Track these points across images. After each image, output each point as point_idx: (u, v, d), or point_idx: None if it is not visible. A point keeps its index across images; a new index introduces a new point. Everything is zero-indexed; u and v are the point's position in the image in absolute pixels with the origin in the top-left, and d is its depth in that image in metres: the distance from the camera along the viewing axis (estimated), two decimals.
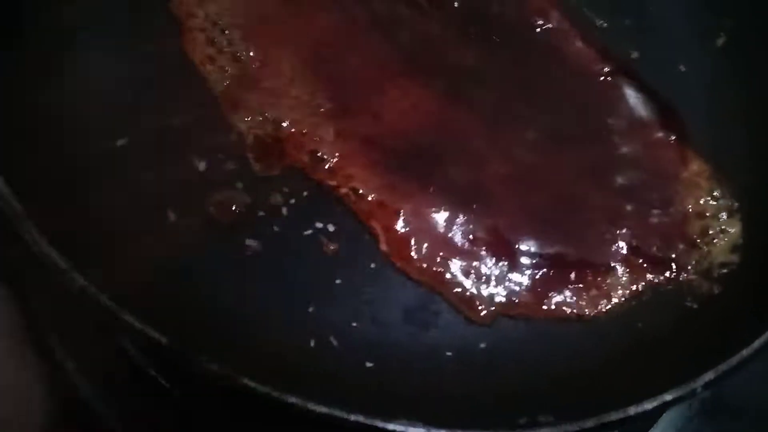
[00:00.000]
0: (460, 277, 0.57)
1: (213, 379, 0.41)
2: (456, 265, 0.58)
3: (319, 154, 0.61)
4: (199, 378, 0.42)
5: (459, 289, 0.57)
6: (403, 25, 0.66)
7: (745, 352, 0.43)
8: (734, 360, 0.43)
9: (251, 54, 0.64)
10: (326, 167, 0.60)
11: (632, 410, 0.41)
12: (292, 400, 0.40)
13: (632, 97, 0.66)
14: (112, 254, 0.53)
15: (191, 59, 0.64)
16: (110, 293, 0.45)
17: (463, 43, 0.67)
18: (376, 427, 0.41)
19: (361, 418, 0.41)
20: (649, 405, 0.41)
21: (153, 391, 0.60)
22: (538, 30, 0.68)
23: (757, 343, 0.43)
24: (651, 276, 0.58)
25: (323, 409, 0.40)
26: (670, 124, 0.64)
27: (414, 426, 0.41)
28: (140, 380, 0.61)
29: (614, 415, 0.41)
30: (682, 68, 0.68)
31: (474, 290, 0.57)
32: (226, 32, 0.65)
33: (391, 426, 0.41)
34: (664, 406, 0.42)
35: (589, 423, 0.40)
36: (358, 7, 0.66)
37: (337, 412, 0.41)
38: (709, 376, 0.42)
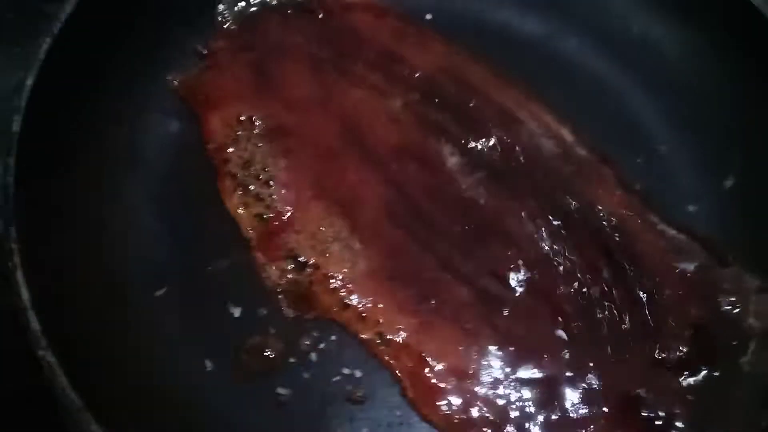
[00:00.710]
0: (488, 428, 0.60)
1: None
2: (483, 415, 0.60)
3: (347, 299, 0.63)
4: None
5: None
6: None
7: None
8: None
9: (283, 199, 0.67)
10: (354, 311, 0.63)
11: None
12: None
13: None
14: (150, 407, 0.57)
15: (226, 205, 0.67)
16: None
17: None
18: None
19: None
20: None
21: None
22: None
23: None
24: None
25: None
26: None
27: None
28: None
29: None
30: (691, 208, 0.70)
31: None
32: (260, 177, 0.68)
33: None
34: None
35: None
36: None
37: None
38: None
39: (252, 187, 0.68)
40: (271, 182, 0.68)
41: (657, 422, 0.60)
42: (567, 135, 0.73)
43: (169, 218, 0.66)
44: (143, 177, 0.67)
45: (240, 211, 0.67)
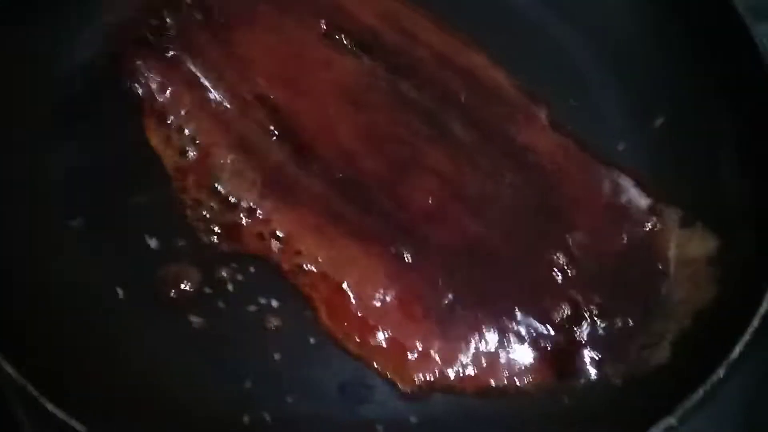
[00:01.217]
0: (397, 351, 0.59)
1: None
2: (394, 339, 0.60)
3: (267, 230, 0.63)
4: None
5: (394, 363, 0.59)
6: None
7: None
8: None
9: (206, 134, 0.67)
10: (274, 242, 0.63)
11: None
12: None
13: None
14: (61, 333, 0.56)
15: (150, 140, 0.67)
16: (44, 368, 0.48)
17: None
18: None
19: None
20: None
21: None
22: None
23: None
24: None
25: None
26: None
27: None
28: None
29: None
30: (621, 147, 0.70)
31: (408, 364, 0.59)
32: (183, 113, 0.68)
33: None
34: None
35: None
36: None
37: None
38: None
39: (174, 122, 0.67)
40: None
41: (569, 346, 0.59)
42: (502, 79, 0.73)
43: (89, 151, 0.66)
44: (65, 109, 0.66)
45: (162, 146, 0.66)
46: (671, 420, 0.47)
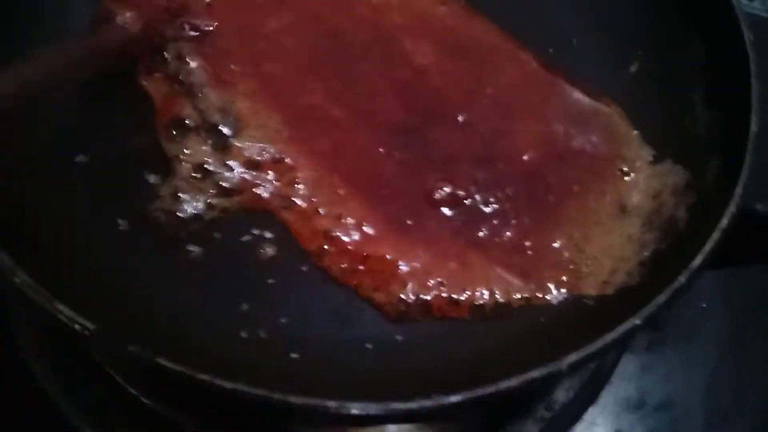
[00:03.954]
0: (377, 282, 0.63)
1: (135, 360, 0.47)
2: (376, 269, 0.63)
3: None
4: (126, 360, 0.48)
5: (377, 291, 0.63)
6: None
7: (602, 341, 0.49)
8: (594, 347, 0.49)
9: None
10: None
11: (503, 385, 0.47)
12: (203, 377, 0.46)
13: None
14: (64, 258, 0.60)
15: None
16: (54, 289, 0.52)
17: None
18: (283, 401, 0.47)
19: (265, 393, 0.46)
20: (516, 381, 0.47)
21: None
22: None
23: (609, 337, 0.49)
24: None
25: (229, 385, 0.46)
26: None
27: (310, 399, 0.46)
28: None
29: (483, 390, 0.46)
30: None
31: (389, 294, 0.63)
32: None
33: (292, 398, 0.47)
34: (533, 383, 0.47)
35: (455, 398, 0.46)
36: None
37: (242, 387, 0.46)
38: (572, 358, 0.48)
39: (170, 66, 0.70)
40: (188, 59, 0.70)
41: None
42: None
43: (89, 93, 0.68)
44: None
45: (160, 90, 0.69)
46: (635, 321, 0.50)
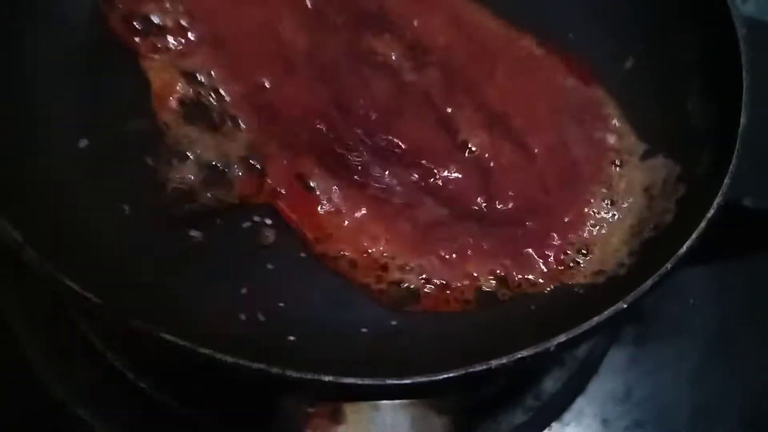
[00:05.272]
0: (372, 271, 0.65)
1: (139, 334, 0.49)
2: (369, 258, 0.65)
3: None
4: (129, 334, 0.50)
5: (370, 280, 0.64)
6: None
7: (589, 324, 0.51)
8: (582, 328, 0.50)
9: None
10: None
11: (493, 363, 0.48)
12: (204, 350, 0.48)
13: None
14: (70, 239, 0.61)
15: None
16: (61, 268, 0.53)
17: None
18: (281, 375, 0.49)
19: (263, 367, 0.48)
20: (506, 359, 0.49)
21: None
22: None
23: (596, 320, 0.51)
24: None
25: (230, 359, 0.48)
26: None
27: (304, 373, 0.48)
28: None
29: (476, 368, 0.48)
30: None
31: (382, 283, 0.64)
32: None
33: (288, 372, 0.48)
34: (523, 362, 0.49)
35: (453, 373, 0.47)
36: None
37: (242, 362, 0.48)
38: (561, 338, 0.50)
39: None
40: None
41: None
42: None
43: (88, 78, 0.70)
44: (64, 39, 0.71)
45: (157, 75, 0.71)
46: (622, 305, 0.52)
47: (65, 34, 0.71)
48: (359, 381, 0.48)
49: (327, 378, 0.48)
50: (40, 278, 0.51)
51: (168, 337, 0.48)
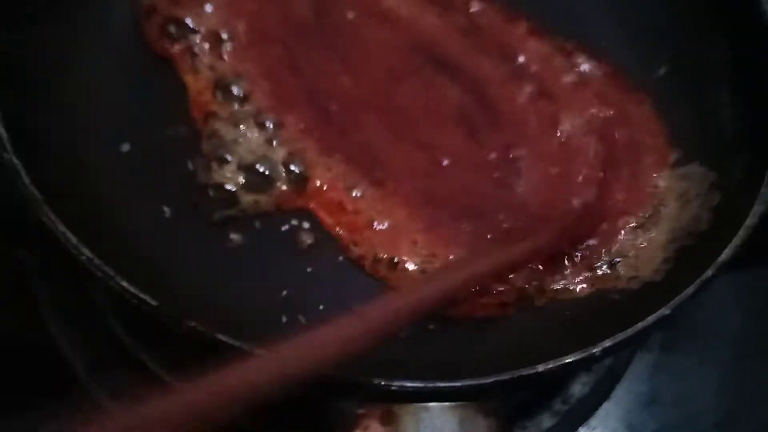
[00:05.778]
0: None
1: (193, 335, 0.50)
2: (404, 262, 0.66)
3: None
4: (181, 335, 0.51)
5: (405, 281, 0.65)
6: None
7: (634, 329, 0.51)
8: (627, 333, 0.51)
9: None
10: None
11: (540, 368, 0.49)
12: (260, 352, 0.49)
13: None
14: (113, 242, 0.62)
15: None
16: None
17: None
18: (337, 377, 0.50)
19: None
20: (553, 364, 0.49)
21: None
22: None
23: (641, 325, 0.52)
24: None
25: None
26: None
27: (357, 377, 0.49)
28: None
29: (526, 372, 0.49)
30: None
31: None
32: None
33: (343, 376, 0.49)
34: (569, 367, 0.50)
35: (504, 376, 0.48)
36: None
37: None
38: (606, 343, 0.51)
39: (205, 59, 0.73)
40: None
41: None
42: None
43: (128, 84, 0.72)
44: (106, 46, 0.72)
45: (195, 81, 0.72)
46: (665, 311, 0.53)
47: (104, 40, 0.72)
48: (411, 384, 0.48)
49: (380, 381, 0.48)
50: (96, 279, 0.51)
51: (224, 338, 0.48)
